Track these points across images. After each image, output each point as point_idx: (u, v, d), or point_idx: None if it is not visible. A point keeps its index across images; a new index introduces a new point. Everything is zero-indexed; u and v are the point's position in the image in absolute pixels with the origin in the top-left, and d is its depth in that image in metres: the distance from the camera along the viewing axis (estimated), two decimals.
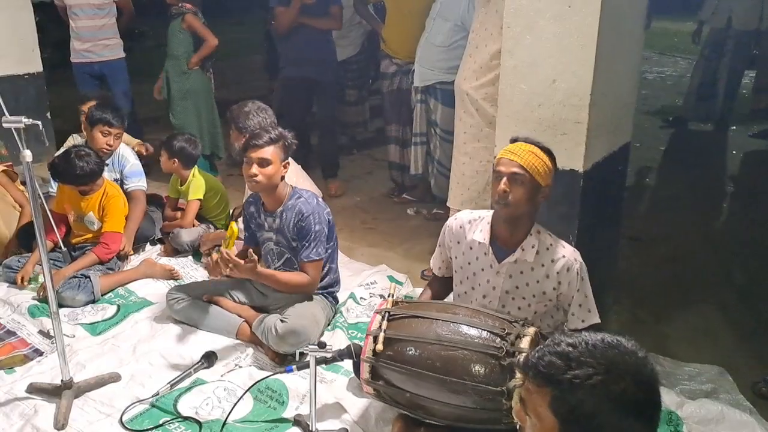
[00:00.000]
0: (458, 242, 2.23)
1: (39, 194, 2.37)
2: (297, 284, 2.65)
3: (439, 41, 3.60)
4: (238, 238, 2.68)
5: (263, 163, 2.54)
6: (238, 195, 3.99)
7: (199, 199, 3.62)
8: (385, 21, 4.23)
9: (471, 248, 2.19)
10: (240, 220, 3.05)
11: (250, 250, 2.51)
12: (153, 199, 3.83)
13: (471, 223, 2.20)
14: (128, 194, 3.45)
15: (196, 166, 3.68)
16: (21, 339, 2.70)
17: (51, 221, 2.99)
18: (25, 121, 2.19)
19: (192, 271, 3.37)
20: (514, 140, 2.08)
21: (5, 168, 3.64)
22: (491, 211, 2.16)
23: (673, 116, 6.43)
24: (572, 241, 2.38)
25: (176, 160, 3.61)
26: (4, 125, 2.23)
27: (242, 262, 2.45)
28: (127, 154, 3.58)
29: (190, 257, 3.50)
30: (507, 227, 2.10)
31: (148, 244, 3.63)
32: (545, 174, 2.01)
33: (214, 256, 2.47)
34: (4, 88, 4.57)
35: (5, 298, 3.01)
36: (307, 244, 2.60)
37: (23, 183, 3.70)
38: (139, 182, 3.55)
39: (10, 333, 2.75)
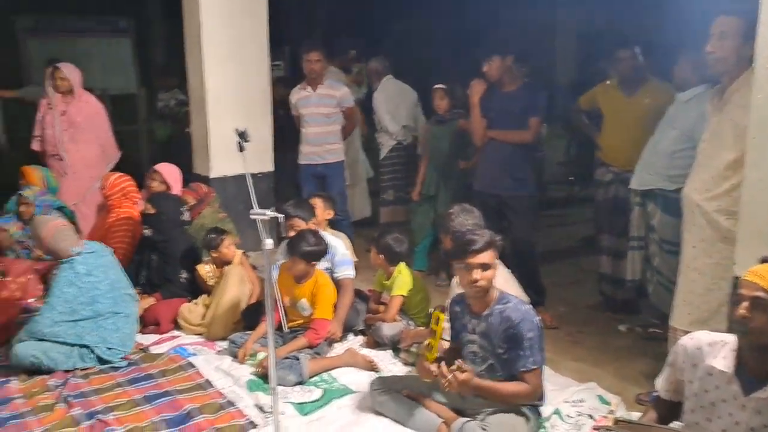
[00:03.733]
0: (694, 365, 2.10)
1: (272, 279, 2.72)
2: (519, 395, 2.65)
3: (662, 147, 3.57)
4: (441, 338, 2.80)
5: (485, 267, 2.67)
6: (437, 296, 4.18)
7: (403, 296, 3.85)
8: (601, 128, 4.29)
9: (710, 374, 2.05)
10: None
11: (460, 360, 2.61)
12: (357, 294, 4.15)
13: (711, 346, 2.07)
14: (337, 282, 3.78)
15: (403, 262, 3.94)
16: (239, 410, 3.02)
17: (280, 304, 3.38)
18: (269, 213, 2.62)
19: (390, 366, 3.53)
20: (763, 260, 1.96)
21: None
22: (734, 336, 2.02)
23: None
24: None
25: (383, 255, 3.91)
26: (251, 217, 2.66)
27: (455, 376, 2.54)
28: (337, 245, 3.96)
29: (390, 351, 3.68)
30: (756, 356, 1.95)
31: (351, 334, 3.90)
32: None
33: (426, 364, 2.61)
34: (241, 185, 5.39)
35: (228, 370, 3.41)
36: (522, 353, 2.62)
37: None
38: (347, 271, 3.88)
39: (230, 403, 3.09)
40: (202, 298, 4.09)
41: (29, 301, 4.34)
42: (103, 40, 9.93)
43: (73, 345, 3.42)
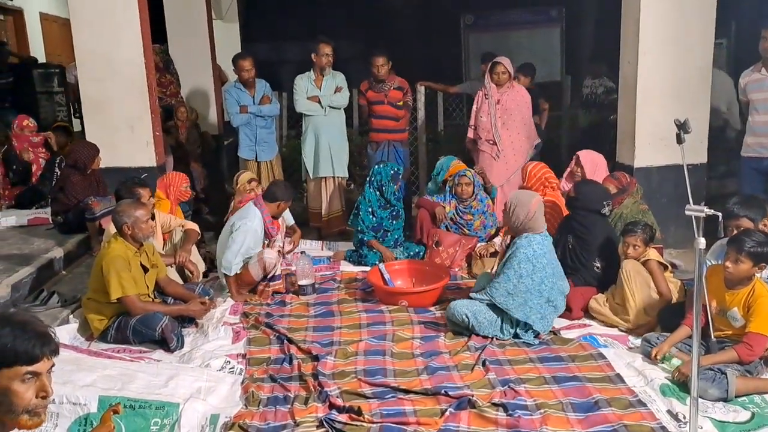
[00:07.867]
0: None
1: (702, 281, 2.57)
2: None
3: None
4: None
5: None
6: None
7: None
8: None
9: None
10: None
11: None
12: None
13: None
14: None
15: None
16: (650, 412, 2.99)
17: (709, 310, 3.20)
18: (707, 211, 2.51)
19: None
20: None
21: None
22: None
23: None
24: None
25: None
26: (687, 213, 2.58)
27: None
28: None
29: None
30: None
31: None
32: None
33: None
34: (666, 177, 5.18)
35: (640, 369, 3.38)
36: None
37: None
38: None
39: (641, 403, 3.07)
40: (611, 289, 4.11)
41: (455, 270, 5.03)
42: (534, 31, 10.65)
43: (498, 315, 3.82)
